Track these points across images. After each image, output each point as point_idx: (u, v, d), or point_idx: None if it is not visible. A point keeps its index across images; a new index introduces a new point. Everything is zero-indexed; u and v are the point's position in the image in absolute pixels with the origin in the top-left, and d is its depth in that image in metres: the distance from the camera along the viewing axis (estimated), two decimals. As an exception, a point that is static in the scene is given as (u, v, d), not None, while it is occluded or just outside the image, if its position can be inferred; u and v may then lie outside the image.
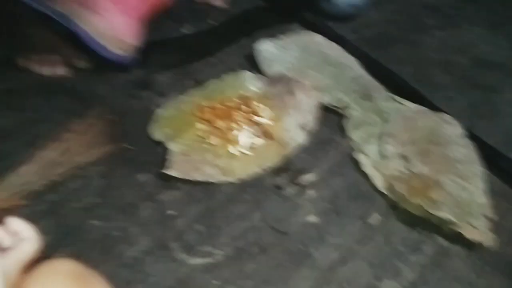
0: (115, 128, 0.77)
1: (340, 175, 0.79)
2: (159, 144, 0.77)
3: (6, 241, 0.42)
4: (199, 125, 0.81)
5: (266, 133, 0.82)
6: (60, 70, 0.87)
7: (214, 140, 0.79)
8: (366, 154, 0.81)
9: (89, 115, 0.77)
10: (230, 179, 0.75)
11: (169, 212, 0.69)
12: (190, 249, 0.66)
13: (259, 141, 0.81)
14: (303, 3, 1.11)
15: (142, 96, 0.86)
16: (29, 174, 0.68)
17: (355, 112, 0.88)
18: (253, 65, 0.95)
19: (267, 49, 0.97)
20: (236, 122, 0.82)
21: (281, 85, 0.89)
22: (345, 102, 0.90)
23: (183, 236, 0.67)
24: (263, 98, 0.87)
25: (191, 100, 0.86)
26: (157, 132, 0.79)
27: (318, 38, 1.02)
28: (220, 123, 0.82)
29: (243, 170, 0.77)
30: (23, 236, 0.44)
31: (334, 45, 1.01)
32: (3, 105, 0.77)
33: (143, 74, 0.90)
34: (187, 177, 0.73)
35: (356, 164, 0.80)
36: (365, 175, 0.79)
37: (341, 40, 1.02)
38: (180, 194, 0.72)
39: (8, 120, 0.75)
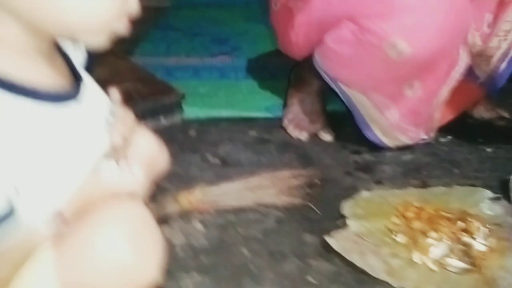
0: (314, 189, 0.78)
1: None
2: (343, 219, 0.73)
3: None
4: (394, 219, 0.72)
5: (472, 259, 0.66)
6: (304, 136, 0.97)
7: (401, 238, 0.69)
8: None
9: (299, 172, 0.82)
10: (394, 283, 0.63)
11: (310, 279, 0.64)
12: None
13: (457, 263, 0.65)
14: None
15: (358, 176, 0.85)
16: (227, 193, 0.78)
17: None
18: (502, 187, 0.79)
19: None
20: (438, 232, 0.69)
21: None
22: None
23: (308, 307, 0.60)
24: (492, 224, 0.70)
25: (403, 196, 0.78)
26: (348, 208, 0.75)
27: None
28: (417, 225, 0.70)
29: (416, 283, 0.63)
30: (135, 176, 0.49)
31: None
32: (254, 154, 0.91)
33: (370, 159, 0.90)
34: (346, 256, 0.66)
35: None
36: None
37: None
38: (330, 268, 0.65)
39: (250, 157, 0.89)
